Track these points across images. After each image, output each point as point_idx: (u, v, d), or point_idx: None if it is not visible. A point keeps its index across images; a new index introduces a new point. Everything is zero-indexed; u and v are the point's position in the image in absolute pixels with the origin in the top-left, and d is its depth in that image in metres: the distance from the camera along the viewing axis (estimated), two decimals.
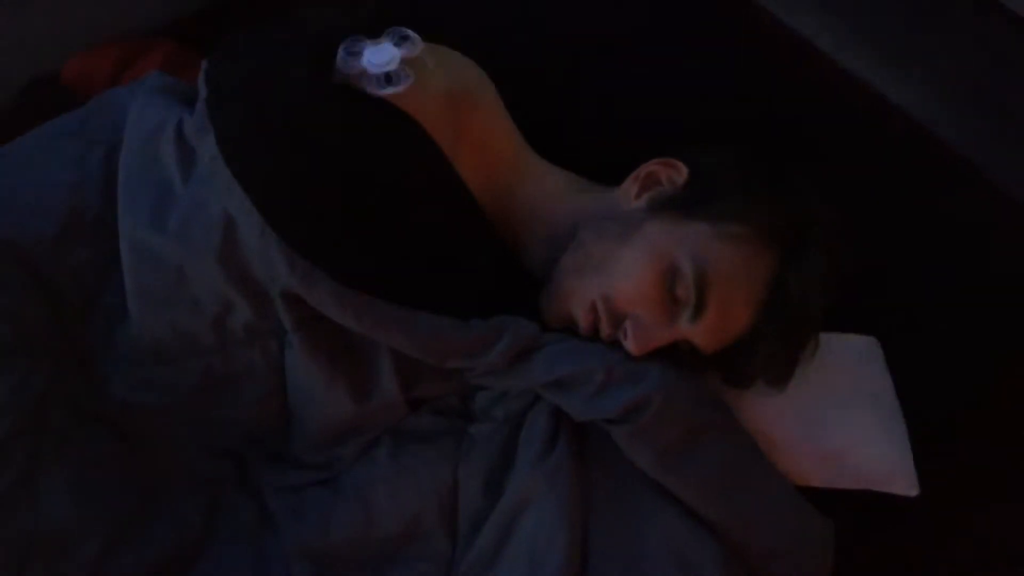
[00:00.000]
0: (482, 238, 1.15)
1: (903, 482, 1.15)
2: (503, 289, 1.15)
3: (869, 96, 1.32)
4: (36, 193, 1.14)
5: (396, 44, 1.12)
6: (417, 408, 1.15)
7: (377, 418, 1.13)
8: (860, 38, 1.36)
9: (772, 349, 1.09)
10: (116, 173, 1.14)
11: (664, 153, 1.15)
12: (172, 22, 1.59)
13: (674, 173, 1.13)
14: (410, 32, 1.13)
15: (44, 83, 1.49)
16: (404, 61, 1.11)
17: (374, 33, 1.14)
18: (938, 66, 1.36)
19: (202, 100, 1.12)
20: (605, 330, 1.11)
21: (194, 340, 1.10)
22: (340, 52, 1.11)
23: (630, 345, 1.10)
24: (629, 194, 1.14)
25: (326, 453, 1.14)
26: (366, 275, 1.06)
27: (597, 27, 1.30)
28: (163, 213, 1.10)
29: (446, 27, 1.19)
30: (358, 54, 1.11)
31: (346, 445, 1.14)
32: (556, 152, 1.22)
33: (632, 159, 1.17)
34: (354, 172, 1.06)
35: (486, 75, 1.20)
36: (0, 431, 1.01)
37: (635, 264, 1.09)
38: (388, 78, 1.10)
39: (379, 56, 1.11)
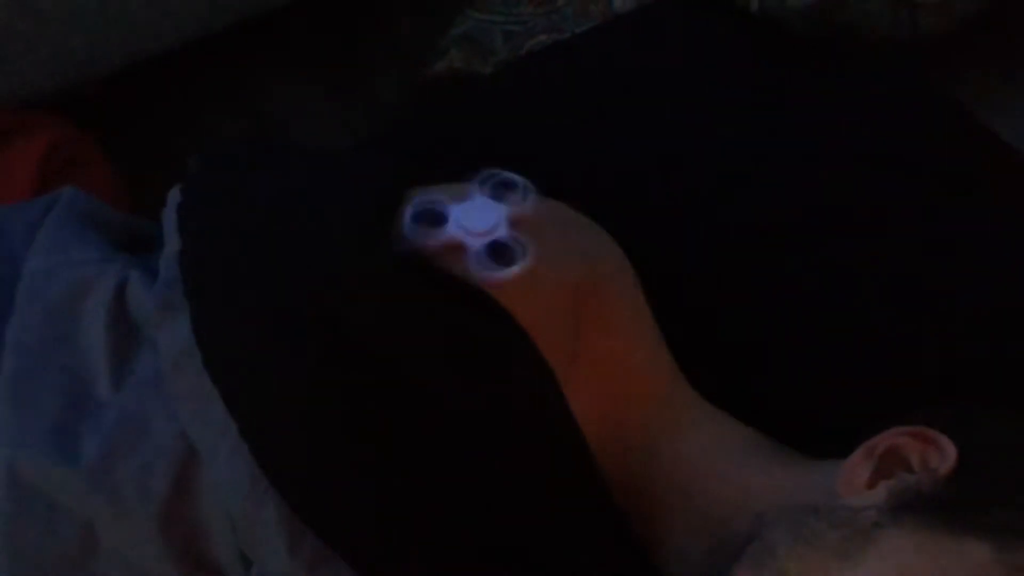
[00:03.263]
0: (598, 522, 0.94)
1: None
2: None
3: None
4: None
5: (496, 197, 0.94)
6: None
7: None
8: None
9: None
10: None
11: (911, 416, 0.92)
12: (65, 90, 1.35)
13: (934, 454, 0.89)
14: (514, 176, 0.94)
15: None
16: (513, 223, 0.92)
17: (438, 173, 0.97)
18: None
19: (171, 254, 0.95)
20: None
21: None
22: (407, 219, 0.92)
23: None
24: (856, 478, 0.90)
25: None
26: (411, 570, 0.90)
27: (796, 198, 1.08)
28: (73, 432, 0.93)
29: (563, 171, 1.02)
30: (436, 218, 0.92)
31: None
32: (723, 388, 1.00)
33: (848, 417, 0.95)
34: (418, 407, 0.88)
35: (624, 256, 0.98)
36: None
37: None
38: (498, 251, 0.90)
39: (477, 218, 0.92)
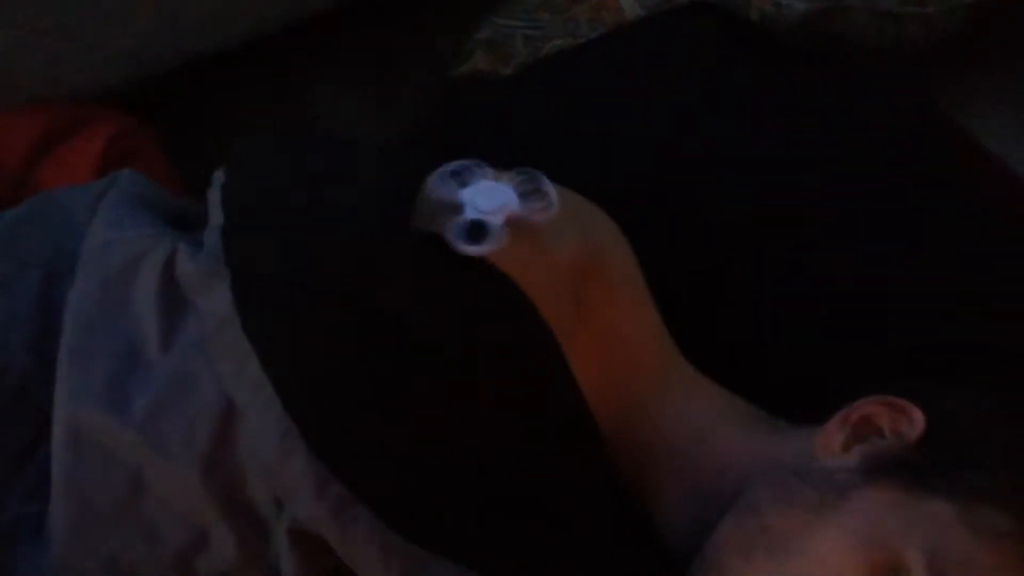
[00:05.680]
0: (595, 479, 0.97)
1: None
2: (615, 558, 0.97)
3: None
4: None
5: (521, 192, 0.96)
6: None
7: None
8: None
9: None
10: (56, 317, 0.99)
11: (886, 387, 0.95)
12: (123, 83, 1.35)
13: (904, 422, 0.92)
14: (547, 184, 0.96)
15: None
16: (519, 216, 0.95)
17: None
18: None
19: (214, 228, 0.98)
20: None
21: None
22: (435, 176, 0.95)
23: None
24: (832, 443, 0.94)
25: None
26: (426, 516, 0.92)
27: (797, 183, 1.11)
28: (126, 388, 0.95)
29: (566, 156, 1.04)
30: (460, 181, 0.95)
31: None
32: (716, 362, 1.03)
33: (831, 388, 0.98)
34: (432, 367, 0.92)
35: (625, 237, 1.01)
36: None
37: (837, 552, 0.90)
38: (476, 230, 0.93)
39: (487, 197, 0.95)
